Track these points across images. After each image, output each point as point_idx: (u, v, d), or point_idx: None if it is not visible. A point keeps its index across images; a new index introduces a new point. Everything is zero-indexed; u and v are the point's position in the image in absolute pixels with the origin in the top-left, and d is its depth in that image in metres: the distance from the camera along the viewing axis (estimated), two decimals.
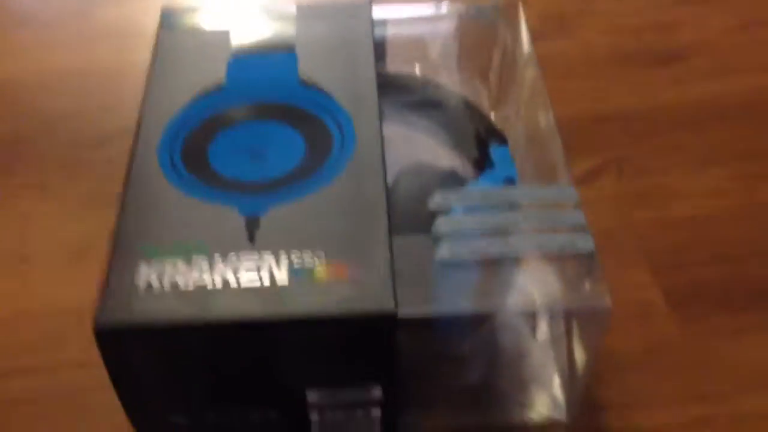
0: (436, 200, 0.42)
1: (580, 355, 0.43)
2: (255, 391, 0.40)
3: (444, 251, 0.40)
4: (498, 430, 0.45)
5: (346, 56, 0.50)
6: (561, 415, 0.45)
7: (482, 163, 0.51)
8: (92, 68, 0.69)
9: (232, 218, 0.41)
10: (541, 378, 0.46)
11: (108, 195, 0.59)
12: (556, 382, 0.46)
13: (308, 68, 0.49)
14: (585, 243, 0.40)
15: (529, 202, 0.44)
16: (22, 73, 0.69)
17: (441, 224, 0.41)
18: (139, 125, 0.46)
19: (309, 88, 0.48)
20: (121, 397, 0.39)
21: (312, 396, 0.40)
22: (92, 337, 0.38)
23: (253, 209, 0.41)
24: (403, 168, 0.47)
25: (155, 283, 0.37)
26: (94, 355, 0.48)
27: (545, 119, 0.50)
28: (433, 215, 0.42)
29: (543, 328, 0.44)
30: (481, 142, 0.51)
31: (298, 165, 0.43)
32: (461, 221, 0.41)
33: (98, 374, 0.48)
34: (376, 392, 0.40)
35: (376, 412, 0.41)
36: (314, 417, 0.41)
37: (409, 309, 0.37)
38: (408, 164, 0.47)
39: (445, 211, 0.42)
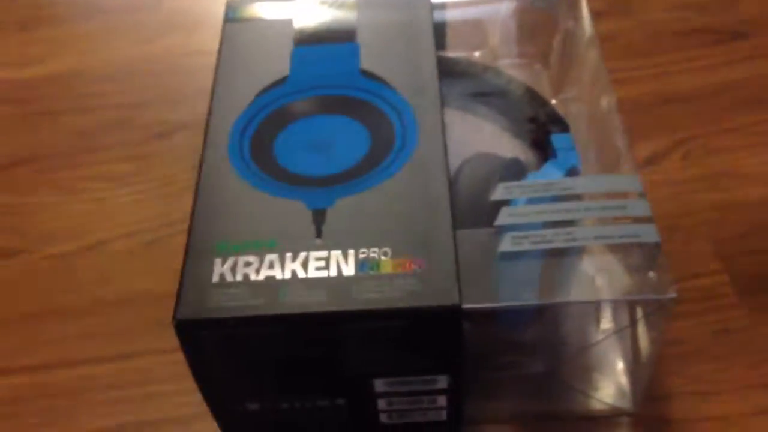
0: (499, 192, 0.43)
1: (644, 345, 0.43)
2: (324, 379, 0.41)
3: (507, 243, 0.40)
4: (563, 418, 0.46)
5: (407, 45, 0.50)
6: (626, 404, 0.45)
7: (545, 150, 0.51)
8: (160, 58, 0.71)
9: (300, 212, 0.42)
10: (606, 367, 0.46)
11: (175, 184, 0.61)
12: (621, 371, 0.46)
13: (370, 58, 0.50)
14: (649, 234, 0.40)
15: (592, 192, 0.43)
16: (91, 64, 0.71)
17: (504, 216, 0.41)
18: (208, 121, 0.47)
19: (371, 78, 0.48)
20: (200, 384, 0.41)
21: (379, 385, 0.41)
22: (166, 325, 0.40)
23: (320, 202, 0.42)
24: (465, 158, 0.47)
25: (229, 277, 0.39)
26: (167, 342, 0.49)
27: (607, 103, 0.49)
28: (496, 207, 0.42)
29: (607, 318, 0.44)
30: (543, 129, 0.51)
31: (362, 157, 0.44)
32: (524, 212, 0.42)
33: (171, 360, 0.49)
34: (443, 381, 0.41)
35: (443, 401, 0.42)
36: (382, 405, 0.42)
37: (474, 302, 0.38)
38: (470, 154, 0.48)
39: (508, 203, 0.42)
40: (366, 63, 0.49)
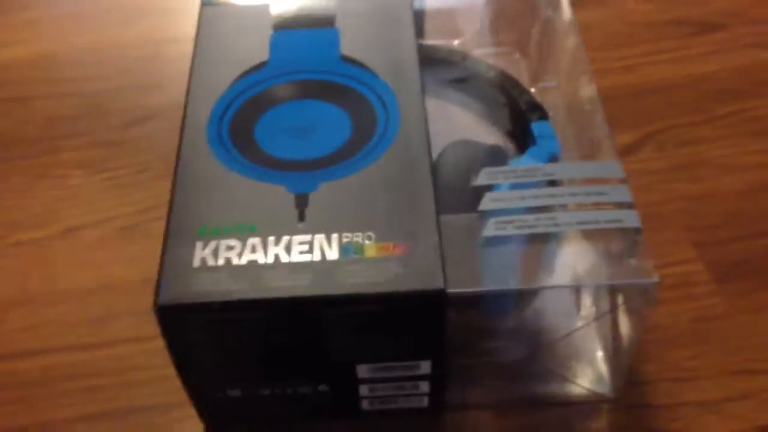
0: (482, 177, 0.43)
1: (625, 331, 0.43)
2: (307, 364, 0.41)
3: (491, 228, 0.40)
4: (543, 404, 0.46)
5: (387, 31, 0.50)
6: (606, 390, 0.46)
7: (524, 138, 0.51)
8: (136, 44, 0.70)
9: (282, 196, 0.41)
10: (586, 353, 0.46)
11: (149, 171, 0.60)
12: (602, 357, 0.46)
13: (350, 43, 0.49)
14: (631, 219, 0.40)
15: (574, 178, 0.44)
16: (64, 49, 0.70)
17: (487, 201, 0.41)
18: (186, 104, 0.46)
19: (351, 63, 0.48)
20: (180, 372, 0.40)
21: (362, 370, 0.41)
22: (142, 313, 0.39)
23: (303, 187, 0.42)
24: (447, 144, 0.47)
25: (210, 262, 0.38)
26: (144, 330, 0.49)
27: (587, 91, 0.50)
28: (478, 192, 0.42)
29: (588, 304, 0.44)
30: (522, 117, 0.51)
31: (344, 142, 0.44)
32: (507, 198, 0.42)
33: (146, 349, 0.49)
34: (425, 366, 0.41)
35: (425, 386, 0.42)
36: (364, 391, 0.42)
37: (458, 286, 0.38)
38: (453, 140, 0.47)
39: (491, 188, 0.42)
40: (346, 48, 0.49)
